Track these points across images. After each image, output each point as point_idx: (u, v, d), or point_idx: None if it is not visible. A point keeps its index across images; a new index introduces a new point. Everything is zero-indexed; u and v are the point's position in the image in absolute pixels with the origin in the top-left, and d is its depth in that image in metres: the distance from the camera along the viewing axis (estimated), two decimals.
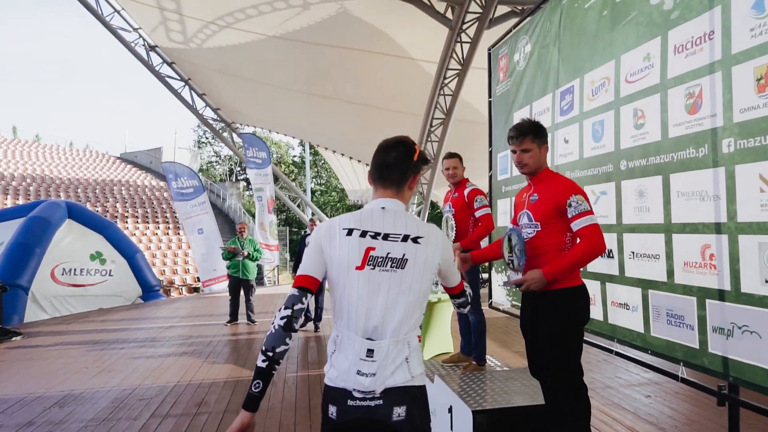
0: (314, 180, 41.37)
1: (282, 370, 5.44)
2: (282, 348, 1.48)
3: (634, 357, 3.50)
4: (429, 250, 1.60)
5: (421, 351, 1.63)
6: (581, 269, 2.53)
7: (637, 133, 3.33)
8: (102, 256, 11.72)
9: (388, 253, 1.56)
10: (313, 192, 39.89)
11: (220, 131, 17.76)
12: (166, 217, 25.20)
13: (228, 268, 8.13)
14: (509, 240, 2.59)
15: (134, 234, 22.20)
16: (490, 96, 5.97)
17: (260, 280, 18.54)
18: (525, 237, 2.57)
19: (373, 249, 1.56)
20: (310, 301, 1.64)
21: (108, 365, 5.76)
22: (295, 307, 1.52)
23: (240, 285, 8.08)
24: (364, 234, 1.57)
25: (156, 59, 15.69)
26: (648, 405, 4.29)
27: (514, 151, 2.58)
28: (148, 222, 24.26)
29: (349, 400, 1.51)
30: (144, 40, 15.19)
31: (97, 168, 34.06)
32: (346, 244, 1.56)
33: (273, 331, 1.50)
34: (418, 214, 15.37)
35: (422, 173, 1.83)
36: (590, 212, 2.38)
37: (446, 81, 12.40)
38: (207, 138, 42.29)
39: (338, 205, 38.19)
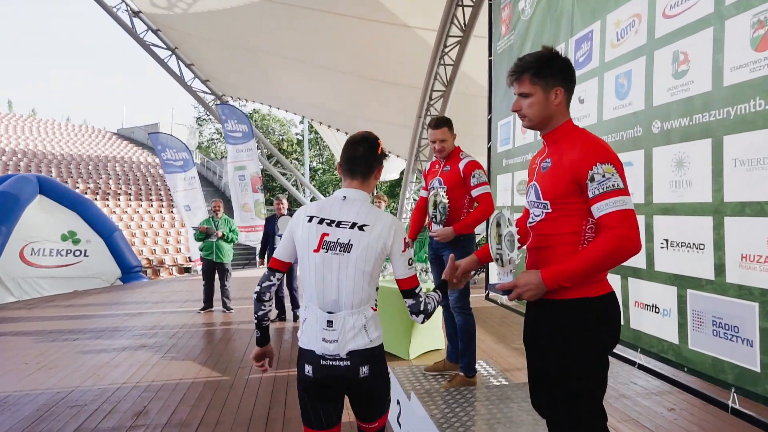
0: (316, 158, 40.46)
1: (245, 369, 4.74)
2: (262, 312, 1.90)
3: (663, 374, 2.77)
4: (371, 237, 1.79)
5: (377, 318, 1.87)
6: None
7: (677, 84, 2.53)
8: (76, 235, 10.99)
9: (338, 239, 1.79)
10: (315, 171, 39.03)
11: (211, 104, 16.89)
12: (160, 194, 24.49)
13: (201, 250, 7.40)
14: (497, 226, 1.83)
15: (126, 211, 21.54)
16: (490, 54, 5.15)
17: (249, 263, 17.93)
18: (532, 221, 1.81)
19: (327, 234, 1.80)
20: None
21: (51, 361, 5.07)
22: (263, 284, 1.89)
23: (214, 269, 7.36)
24: (321, 221, 1.82)
25: (140, 26, 14.80)
26: (672, 422, 3.56)
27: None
28: (141, 199, 23.57)
29: (321, 360, 1.80)
30: (127, 5, 14.27)
31: (92, 144, 33.32)
32: (307, 229, 1.83)
33: (253, 300, 1.90)
34: (417, 192, 14.58)
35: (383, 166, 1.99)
36: (622, 191, 1.60)
37: (446, 50, 11.47)
38: (209, 115, 41.36)
39: (341, 184, 37.33)
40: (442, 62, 11.68)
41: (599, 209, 1.60)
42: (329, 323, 1.79)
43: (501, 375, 3.34)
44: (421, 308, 1.89)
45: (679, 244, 2.52)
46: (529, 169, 1.92)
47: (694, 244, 2.43)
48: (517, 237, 1.73)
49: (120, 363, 4.96)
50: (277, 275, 1.90)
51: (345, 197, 1.86)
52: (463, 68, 11.60)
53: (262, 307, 1.88)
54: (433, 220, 3.23)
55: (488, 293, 5.17)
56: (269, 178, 24.65)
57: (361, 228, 1.79)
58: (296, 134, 40.12)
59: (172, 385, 4.33)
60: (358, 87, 14.43)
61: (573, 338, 1.68)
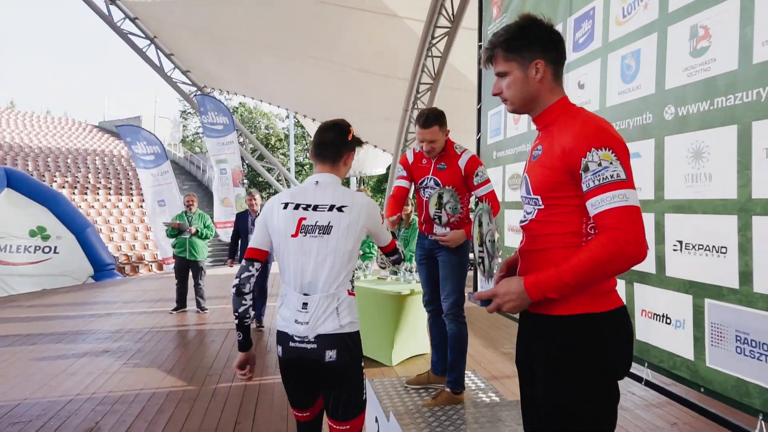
0: (303, 152, 39.95)
1: (213, 378, 4.37)
2: (243, 308, 1.85)
3: (675, 393, 2.45)
4: (352, 216, 1.84)
5: (353, 303, 1.89)
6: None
7: (695, 63, 2.21)
8: (45, 231, 10.47)
9: (316, 222, 1.82)
10: (302, 165, 38.52)
11: (192, 96, 16.36)
12: (141, 189, 23.87)
13: (173, 247, 6.99)
14: (479, 225, 1.51)
15: (105, 206, 20.94)
16: (480, 39, 4.80)
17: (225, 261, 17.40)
18: (524, 219, 1.49)
19: (305, 219, 1.83)
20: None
21: (1, 369, 4.66)
22: (242, 275, 1.85)
23: (187, 267, 6.95)
24: (297, 207, 1.85)
25: (117, 14, 14.24)
26: None
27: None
28: (121, 194, 22.94)
29: (290, 342, 1.83)
30: None
31: (72, 137, 32.50)
32: (283, 216, 1.85)
33: (232, 296, 1.86)
34: None
35: (356, 152, 2.03)
36: (623, 184, 1.27)
37: (434, 41, 11.12)
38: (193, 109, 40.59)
39: None
40: (429, 54, 11.33)
41: (594, 206, 1.28)
42: (304, 305, 1.81)
43: (491, 389, 3.02)
44: (402, 257, 2.20)
45: (696, 247, 2.20)
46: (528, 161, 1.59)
47: (714, 246, 2.11)
48: (497, 237, 1.45)
49: (77, 371, 4.56)
50: (256, 265, 1.88)
51: (317, 182, 1.90)
52: (451, 61, 11.27)
53: (243, 302, 1.85)
54: (436, 221, 2.84)
55: (469, 296, 4.88)
56: (256, 173, 24.13)
57: (339, 209, 1.83)
58: (283, 129, 39.55)
59: (131, 396, 3.95)
60: (344, 79, 14.04)
61: (573, 364, 1.35)
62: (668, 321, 2.37)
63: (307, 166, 38.51)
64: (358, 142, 2.02)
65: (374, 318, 4.63)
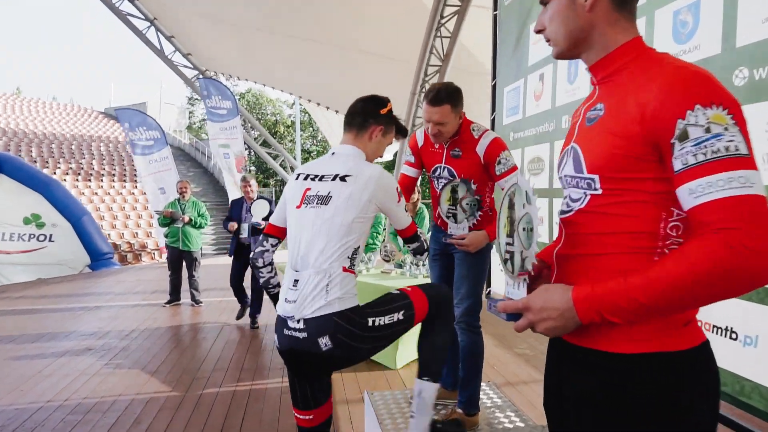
0: (310, 139, 39.47)
1: (200, 381, 3.98)
2: (263, 279, 1.87)
3: (742, 424, 2.01)
4: (354, 187, 1.67)
5: (348, 280, 1.66)
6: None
7: None
8: (40, 218, 10.11)
9: (317, 192, 1.70)
10: (309, 152, 38.08)
11: (193, 80, 15.90)
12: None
13: (166, 236, 6.60)
14: (510, 207, 1.09)
15: (109, 193, 20.67)
16: (495, 8, 4.32)
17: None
18: (567, 209, 1.05)
19: (309, 189, 1.72)
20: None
21: None
22: (257, 250, 1.85)
23: (181, 258, 6.56)
24: (306, 177, 1.76)
25: None
26: None
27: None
28: (125, 180, 22.65)
29: (285, 329, 1.66)
30: None
31: (77, 123, 32.26)
32: (292, 186, 1.78)
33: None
34: None
35: (391, 136, 1.90)
36: (744, 161, 0.82)
37: (443, 21, 10.58)
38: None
39: None
40: (438, 34, 10.78)
41: (695, 193, 0.83)
42: (295, 282, 1.67)
43: (509, 406, 2.59)
44: (425, 247, 1.97)
45: None
46: (571, 128, 1.14)
47: None
48: (537, 224, 1.00)
49: (53, 373, 4.19)
50: (271, 241, 1.84)
51: (334, 153, 1.83)
52: (461, 41, 10.72)
53: (261, 275, 1.84)
54: (451, 219, 2.38)
55: (489, 291, 4.41)
56: (263, 161, 23.73)
57: (342, 179, 1.70)
58: (289, 116, 39.08)
59: (107, 403, 3.57)
60: (349, 62, 13.53)
61: (636, 427, 0.91)
62: (734, 336, 1.92)
63: (314, 153, 38.04)
64: (395, 122, 1.89)
65: None
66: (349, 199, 1.66)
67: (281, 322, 1.69)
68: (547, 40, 1.08)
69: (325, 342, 1.60)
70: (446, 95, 2.21)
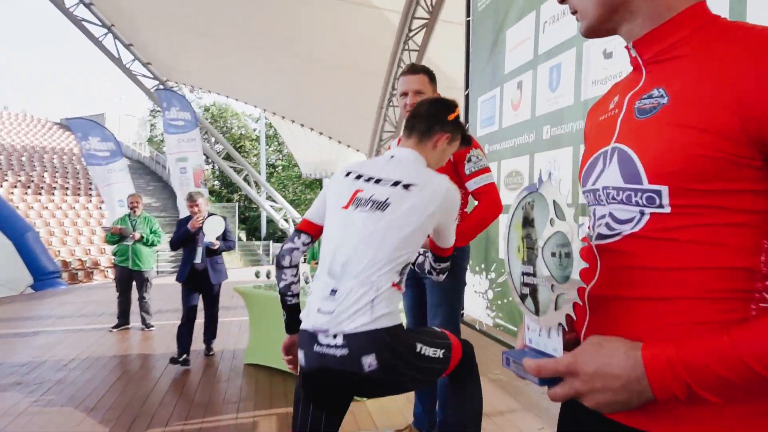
0: (276, 154, 38.91)
1: (144, 421, 3.54)
2: (283, 283, 1.60)
3: None
4: (419, 199, 1.51)
5: (394, 296, 1.48)
6: None
7: None
8: None
9: (372, 195, 1.52)
10: (274, 167, 37.50)
11: (152, 90, 15.33)
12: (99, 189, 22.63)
13: (114, 254, 6.10)
14: (526, 224, 0.81)
15: (60, 207, 19.69)
16: (468, 15, 4.11)
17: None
18: (608, 233, 0.76)
19: (361, 191, 1.54)
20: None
21: None
22: (285, 246, 1.61)
23: (131, 278, 6.07)
24: (359, 177, 1.57)
25: None
26: None
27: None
28: (79, 194, 21.68)
29: (315, 345, 1.42)
30: None
31: (29, 134, 30.90)
32: (340, 184, 1.59)
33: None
34: None
35: (456, 145, 1.74)
36: None
37: (411, 34, 10.46)
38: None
39: (300, 180, 35.90)
40: (406, 47, 10.66)
41: None
42: (333, 291, 1.45)
43: None
44: (448, 268, 1.79)
45: None
46: (593, 126, 0.87)
47: None
48: (577, 245, 0.70)
49: None
50: (303, 238, 1.63)
51: (393, 156, 1.66)
52: (429, 55, 10.61)
53: (283, 276, 1.61)
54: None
55: (463, 314, 4.13)
56: (226, 175, 23.12)
57: (405, 187, 1.53)
58: (254, 130, 38.49)
59: None
60: (316, 74, 13.28)
61: None
62: None
63: (279, 167, 37.51)
64: (461, 130, 1.73)
65: None
66: (411, 209, 1.49)
67: (309, 338, 1.45)
68: (573, 12, 0.82)
69: (369, 362, 1.39)
70: (422, 67, 2.23)
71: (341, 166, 1.68)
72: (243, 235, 28.35)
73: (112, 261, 6.18)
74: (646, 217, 0.70)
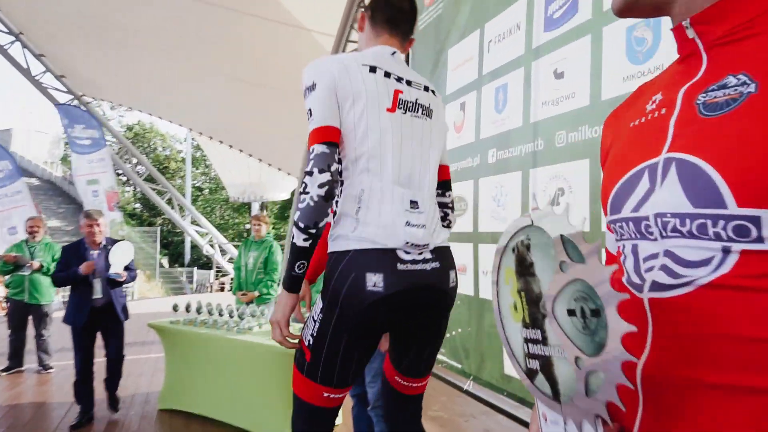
0: (202, 176, 37.56)
1: None
2: (324, 221, 1.27)
3: None
4: (443, 108, 1.51)
5: None
6: None
7: None
8: None
9: (416, 99, 1.39)
10: (200, 189, 36.13)
11: (57, 106, 14.20)
12: None
13: (7, 286, 5.36)
14: (524, 273, 0.58)
15: None
16: None
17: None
18: (667, 283, 0.54)
19: (402, 93, 1.36)
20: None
21: None
22: (332, 168, 1.24)
23: (27, 313, 5.34)
24: (387, 75, 1.36)
25: None
26: None
27: None
28: None
29: (398, 264, 1.25)
30: None
31: None
32: (372, 81, 1.31)
33: (312, 203, 1.23)
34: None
35: None
36: None
37: None
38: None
39: (228, 204, 34.69)
40: None
41: None
42: (413, 203, 1.29)
43: None
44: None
45: None
46: (620, 134, 0.68)
47: None
48: (614, 302, 0.47)
49: None
50: (335, 154, 1.28)
51: (394, 53, 1.44)
52: None
53: (329, 210, 1.27)
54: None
55: None
56: (148, 198, 21.82)
57: (434, 93, 1.46)
58: (179, 152, 37.05)
59: None
60: (246, 94, 12.84)
61: None
62: None
63: (206, 191, 36.18)
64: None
65: (267, 381, 3.51)
66: (444, 120, 1.48)
67: (391, 257, 1.25)
68: None
69: (452, 277, 1.37)
70: None
71: (341, 59, 1.34)
72: (165, 262, 26.82)
73: (5, 294, 5.42)
74: (734, 257, 0.48)
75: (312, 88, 1.29)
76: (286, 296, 1.33)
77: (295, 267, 1.29)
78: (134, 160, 23.55)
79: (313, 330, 1.32)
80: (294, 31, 11.00)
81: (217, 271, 18.64)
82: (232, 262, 16.65)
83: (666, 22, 1.74)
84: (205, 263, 22.46)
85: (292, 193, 17.54)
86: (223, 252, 18.76)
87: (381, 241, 1.25)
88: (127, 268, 3.87)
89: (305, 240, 1.25)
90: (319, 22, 10.44)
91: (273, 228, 19.69)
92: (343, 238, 1.27)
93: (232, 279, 13.29)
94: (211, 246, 18.29)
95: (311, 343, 1.32)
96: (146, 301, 13.71)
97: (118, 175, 30.83)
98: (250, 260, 4.79)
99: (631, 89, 1.88)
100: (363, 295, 1.23)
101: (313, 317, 1.35)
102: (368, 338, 1.32)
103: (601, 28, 2.00)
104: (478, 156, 2.84)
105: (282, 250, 5.13)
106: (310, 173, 1.23)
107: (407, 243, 1.26)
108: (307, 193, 1.23)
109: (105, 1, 10.72)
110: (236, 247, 16.95)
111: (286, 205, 27.55)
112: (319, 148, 1.25)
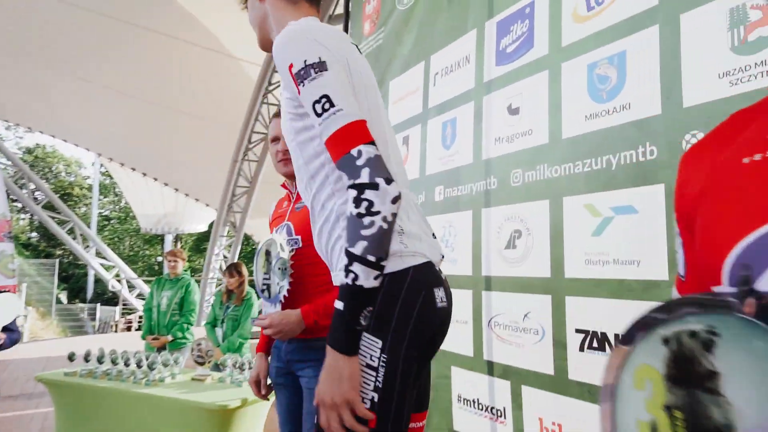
0: (111, 205, 35.25)
1: None
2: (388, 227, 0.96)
3: None
4: None
5: None
6: None
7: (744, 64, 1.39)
8: None
9: None
10: (108, 219, 33.84)
11: None
12: None
13: None
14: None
15: None
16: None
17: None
18: None
19: None
20: None
21: None
22: (386, 173, 0.96)
23: None
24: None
25: None
26: None
27: None
28: None
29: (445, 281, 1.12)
30: None
31: None
32: (365, 63, 1.12)
33: (385, 226, 0.93)
34: (229, 248, 12.40)
35: None
36: None
37: (271, 87, 10.11)
38: None
39: (138, 235, 32.50)
40: (265, 101, 10.25)
41: None
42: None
43: None
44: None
45: None
46: (726, 173, 0.52)
47: None
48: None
49: None
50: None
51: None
52: None
53: (388, 220, 0.95)
54: (265, 294, 1.60)
55: None
56: (46, 227, 19.92)
57: None
58: (85, 178, 34.59)
59: None
60: (162, 120, 12.18)
61: None
62: None
63: (114, 221, 33.91)
64: None
65: None
66: None
67: (438, 269, 1.10)
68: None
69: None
70: None
71: (334, 32, 1.10)
72: (64, 297, 24.49)
73: None
74: None
75: (321, 66, 0.98)
76: (348, 362, 0.98)
77: (360, 318, 0.97)
78: (32, 186, 21.58)
79: (376, 381, 0.98)
80: (219, 58, 10.64)
81: (124, 308, 17.20)
82: (141, 299, 15.41)
83: (632, 60, 1.67)
84: (110, 299, 20.68)
85: (210, 225, 16.66)
86: (131, 287, 17.37)
87: (428, 253, 1.06)
88: (6, 329, 3.14)
89: (376, 278, 0.95)
90: (247, 50, 10.18)
91: (188, 261, 18.53)
92: (396, 255, 1.00)
93: (141, 318, 12.26)
94: (118, 280, 16.89)
95: (376, 399, 0.98)
96: (39, 343, 12.25)
97: (12, 201, 28.06)
98: (164, 300, 4.31)
99: (596, 128, 1.78)
100: (435, 314, 1.04)
101: (370, 365, 1.00)
102: (426, 360, 1.11)
103: (560, 64, 1.91)
104: (423, 193, 2.67)
105: (199, 287, 4.67)
106: (374, 186, 0.93)
107: (440, 256, 1.12)
108: (376, 213, 0.92)
109: (7, 16, 9.82)
110: (147, 282, 15.74)
111: (202, 238, 26.19)
112: (371, 150, 0.95)
